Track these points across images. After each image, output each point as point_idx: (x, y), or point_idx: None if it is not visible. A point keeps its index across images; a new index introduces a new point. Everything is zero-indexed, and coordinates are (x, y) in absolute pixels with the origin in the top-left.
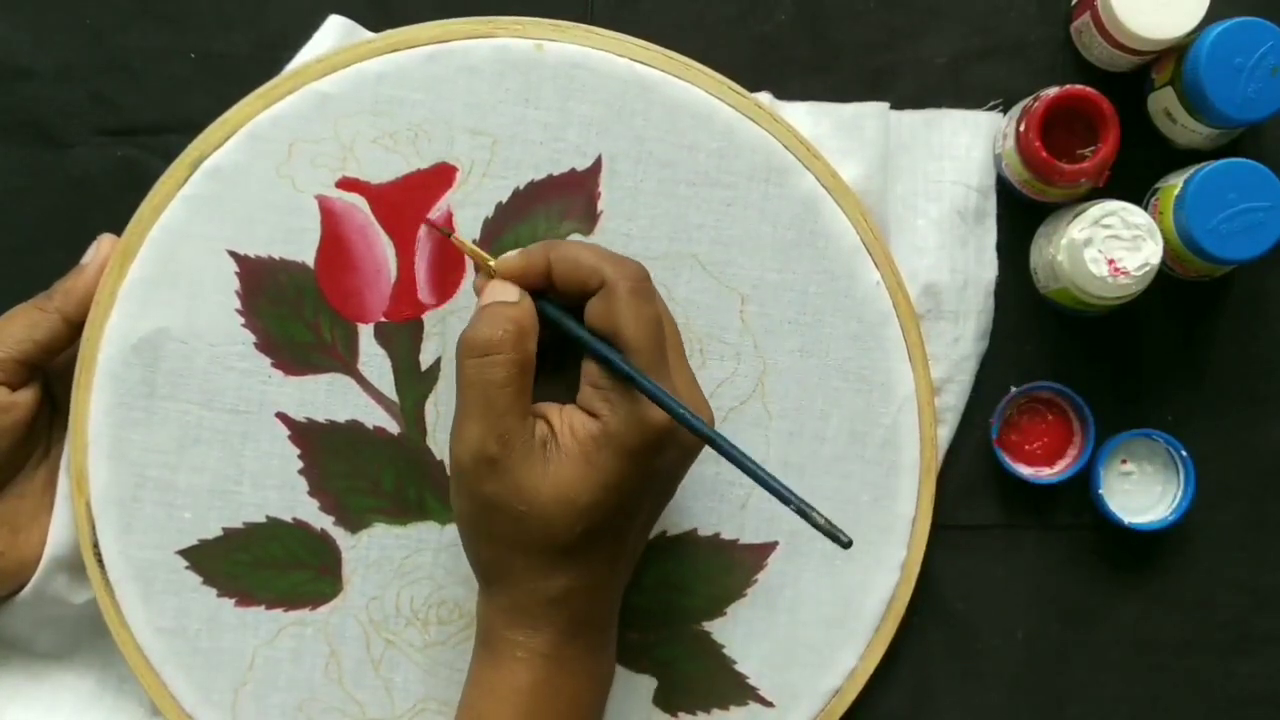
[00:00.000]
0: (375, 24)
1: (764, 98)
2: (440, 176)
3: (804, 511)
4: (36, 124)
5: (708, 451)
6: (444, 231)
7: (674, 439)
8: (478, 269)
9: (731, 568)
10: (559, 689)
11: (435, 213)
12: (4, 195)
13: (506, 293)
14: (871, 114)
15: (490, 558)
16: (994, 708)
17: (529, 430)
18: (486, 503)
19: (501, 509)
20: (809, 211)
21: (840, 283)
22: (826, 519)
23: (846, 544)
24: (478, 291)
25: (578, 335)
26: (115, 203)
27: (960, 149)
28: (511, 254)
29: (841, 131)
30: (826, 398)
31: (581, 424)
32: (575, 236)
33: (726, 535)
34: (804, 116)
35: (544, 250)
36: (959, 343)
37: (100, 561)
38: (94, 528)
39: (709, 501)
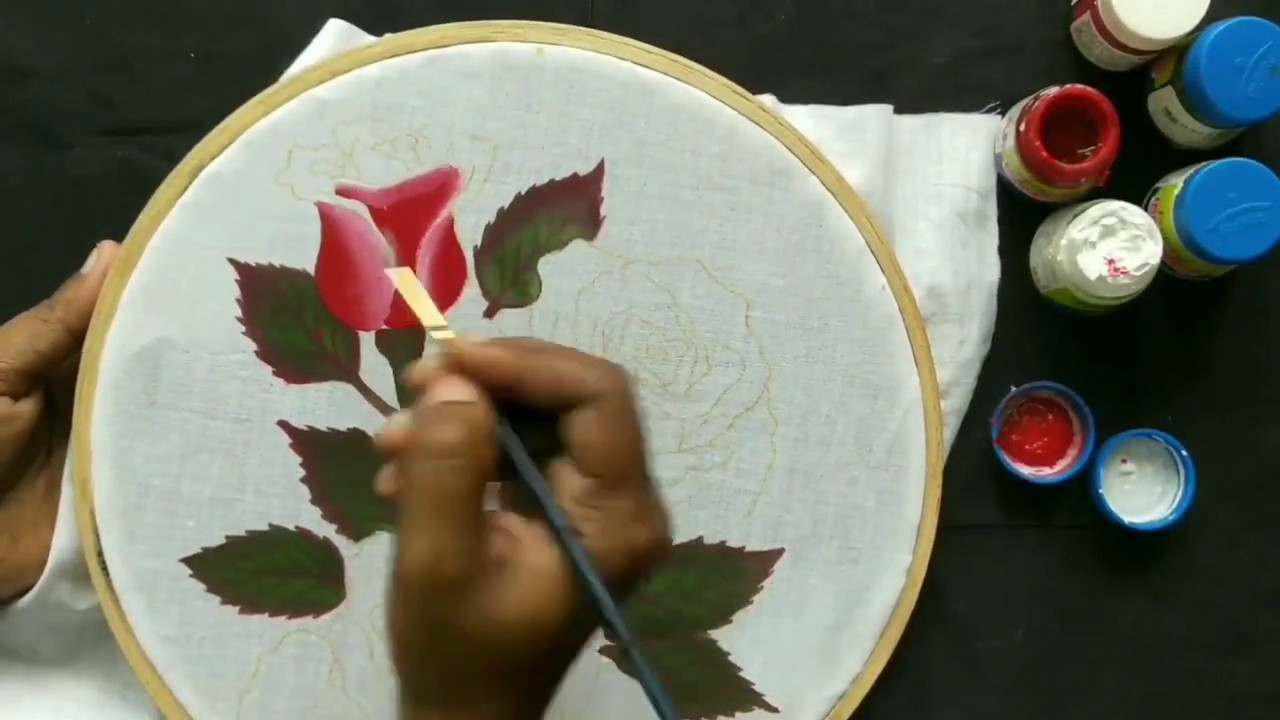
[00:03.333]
0: (375, 26)
1: (767, 100)
2: (442, 182)
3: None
4: (36, 124)
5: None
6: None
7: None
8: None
9: (737, 575)
10: None
11: (437, 220)
12: (4, 195)
13: (460, 391)
14: (874, 116)
15: (433, 680)
16: (994, 708)
17: (487, 545)
18: (438, 625)
19: (455, 632)
20: (813, 215)
21: (846, 287)
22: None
23: None
24: (412, 377)
25: (523, 470)
26: (115, 203)
27: (960, 152)
28: (475, 344)
29: (844, 134)
30: (832, 403)
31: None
32: (578, 243)
33: (732, 543)
34: (806, 119)
35: (516, 357)
36: (964, 345)
37: (105, 570)
38: (98, 536)
39: (715, 509)
